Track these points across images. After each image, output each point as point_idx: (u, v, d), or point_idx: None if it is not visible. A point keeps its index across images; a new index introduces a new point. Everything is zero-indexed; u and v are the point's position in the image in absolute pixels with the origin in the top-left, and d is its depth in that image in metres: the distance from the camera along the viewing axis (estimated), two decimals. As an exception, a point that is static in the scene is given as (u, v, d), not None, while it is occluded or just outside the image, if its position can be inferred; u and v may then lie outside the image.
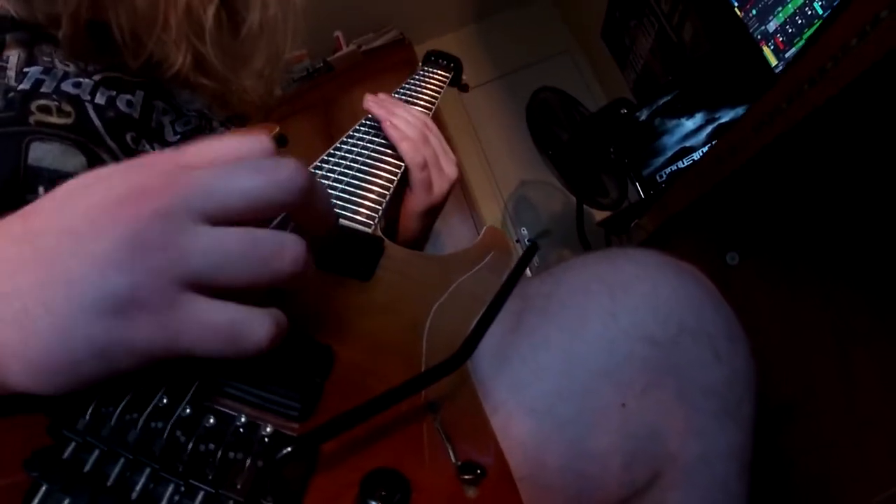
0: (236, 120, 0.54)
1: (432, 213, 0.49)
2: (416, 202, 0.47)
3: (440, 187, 0.48)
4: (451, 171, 0.49)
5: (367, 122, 0.51)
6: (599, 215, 1.57)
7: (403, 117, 0.48)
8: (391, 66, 2.35)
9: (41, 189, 0.34)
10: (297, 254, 0.21)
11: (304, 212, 0.24)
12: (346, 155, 0.45)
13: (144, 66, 0.41)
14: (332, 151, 0.45)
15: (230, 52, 0.44)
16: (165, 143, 0.44)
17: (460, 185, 2.30)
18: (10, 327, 0.18)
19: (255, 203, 0.21)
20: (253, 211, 0.21)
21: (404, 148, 0.46)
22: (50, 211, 0.20)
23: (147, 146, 0.42)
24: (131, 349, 0.19)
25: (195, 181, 0.21)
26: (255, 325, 0.20)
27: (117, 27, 0.38)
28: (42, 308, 0.18)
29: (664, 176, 1.20)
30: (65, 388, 0.19)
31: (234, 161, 0.22)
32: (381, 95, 0.52)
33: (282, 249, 0.21)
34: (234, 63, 0.45)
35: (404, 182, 0.47)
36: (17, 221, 0.20)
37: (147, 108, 0.43)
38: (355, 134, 0.49)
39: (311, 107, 2.44)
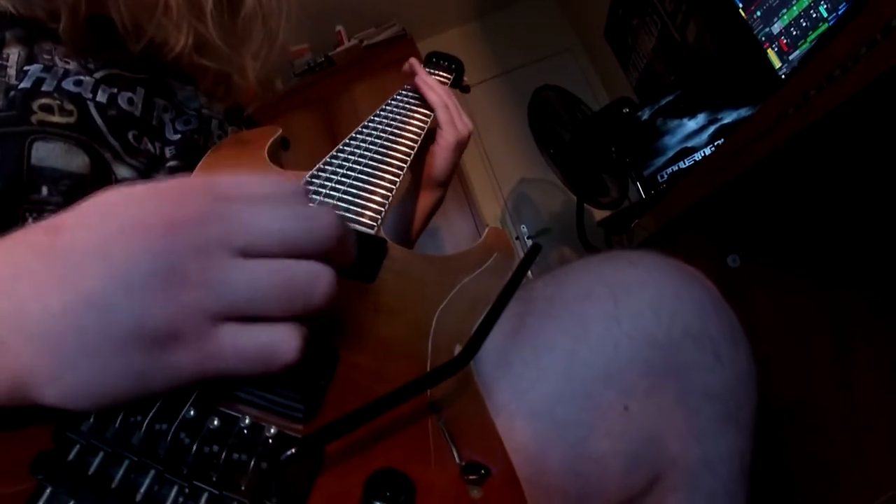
0: (236, 116, 0.54)
1: (459, 148, 0.58)
2: (447, 136, 0.56)
3: (462, 126, 0.57)
4: (467, 120, 0.59)
5: (369, 126, 0.52)
6: (600, 214, 1.57)
7: (431, 77, 0.59)
8: (393, 61, 2.35)
9: (44, 189, 0.34)
10: (329, 287, 0.22)
11: (333, 256, 0.24)
12: (350, 157, 0.45)
13: (146, 51, 0.41)
14: (334, 154, 0.45)
15: (230, 32, 0.44)
16: (166, 142, 0.43)
17: (461, 182, 2.30)
18: (41, 349, 0.18)
19: (291, 247, 0.21)
20: (286, 252, 0.21)
21: (432, 95, 0.56)
22: (79, 227, 0.20)
23: (149, 144, 0.42)
24: (167, 378, 0.20)
25: (235, 217, 0.21)
26: (282, 343, 0.21)
27: (117, 15, 0.38)
28: (76, 333, 0.18)
29: (665, 176, 1.20)
30: (101, 406, 0.19)
31: (270, 198, 0.22)
32: (413, 60, 0.61)
33: (315, 284, 0.21)
34: (234, 43, 0.45)
35: (412, 171, 0.49)
36: (42, 235, 0.20)
37: (148, 106, 0.43)
38: (357, 136, 0.49)
39: (313, 101, 2.43)
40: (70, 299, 0.18)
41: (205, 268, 0.19)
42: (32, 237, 0.20)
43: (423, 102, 0.57)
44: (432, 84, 0.58)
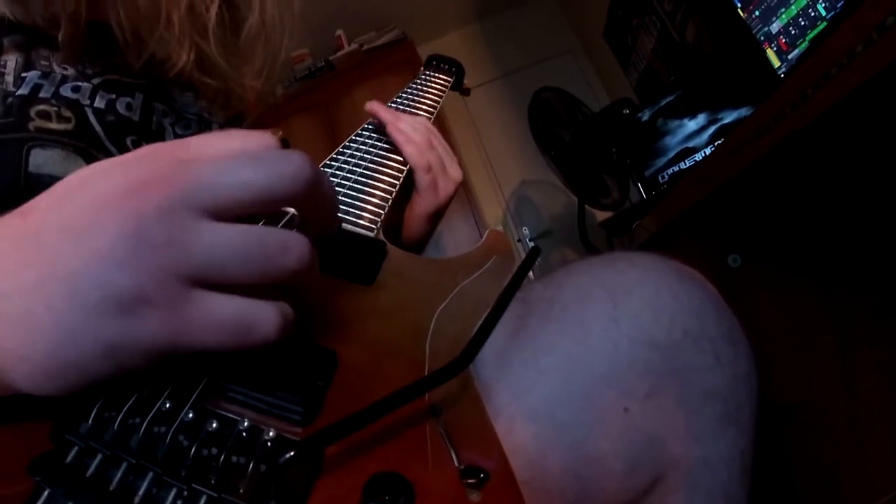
0: (236, 123, 0.55)
1: (438, 215, 0.50)
2: (424, 204, 0.48)
3: (445, 189, 0.49)
4: (455, 173, 0.50)
5: (370, 127, 0.51)
6: (601, 216, 1.57)
7: (408, 121, 0.49)
8: (393, 65, 2.36)
9: None
10: (302, 251, 0.21)
11: (310, 206, 0.23)
12: (349, 159, 0.45)
13: (147, 66, 0.41)
14: (334, 156, 0.45)
15: (232, 50, 0.44)
16: None
17: (462, 185, 2.29)
18: (14, 328, 0.18)
19: (260, 196, 0.20)
20: (258, 204, 0.21)
21: (409, 151, 0.47)
22: (49, 207, 0.20)
23: None
24: (138, 347, 0.19)
25: (199, 175, 0.20)
26: (261, 316, 0.20)
27: (118, 26, 0.38)
28: (45, 307, 0.18)
29: (666, 177, 1.20)
30: (71, 388, 0.19)
31: (238, 154, 0.22)
32: (372, 106, 0.52)
33: (287, 246, 0.21)
34: (236, 62, 0.45)
35: (406, 187, 0.48)
36: (16, 219, 0.20)
37: (147, 111, 0.43)
38: (357, 138, 0.49)
39: (313, 106, 2.44)
40: (41, 277, 0.18)
41: (171, 228, 0.19)
42: (7, 223, 0.20)
43: (420, 106, 0.57)
44: (410, 134, 0.48)
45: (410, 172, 0.47)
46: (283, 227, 0.23)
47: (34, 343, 0.18)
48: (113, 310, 0.18)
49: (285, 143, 0.49)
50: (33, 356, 0.18)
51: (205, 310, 0.19)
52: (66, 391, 0.19)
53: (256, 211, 0.21)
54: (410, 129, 0.48)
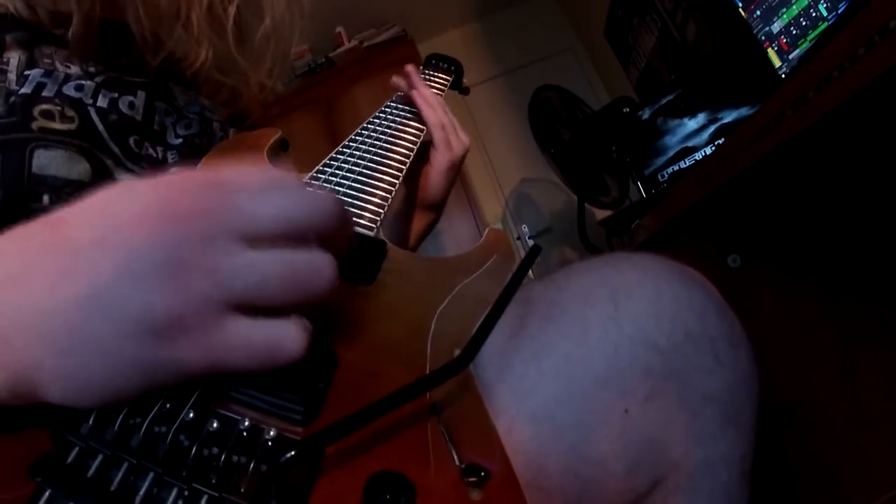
0: (237, 120, 0.54)
1: (453, 170, 0.57)
2: (441, 159, 0.55)
3: (458, 146, 0.56)
4: (464, 137, 0.57)
5: (368, 127, 0.52)
6: (601, 214, 1.57)
7: (430, 91, 0.57)
8: (393, 62, 2.35)
9: (46, 198, 0.34)
10: (331, 275, 0.22)
11: (333, 237, 0.24)
12: (349, 159, 0.45)
13: (163, 64, 0.41)
14: (333, 156, 0.45)
15: (247, 50, 0.45)
16: (168, 146, 0.43)
17: (461, 182, 2.30)
18: (53, 346, 0.18)
19: (293, 227, 0.21)
20: (290, 235, 0.21)
21: (428, 112, 0.54)
22: (83, 222, 0.20)
23: (150, 149, 0.41)
24: (174, 369, 0.19)
25: (236, 204, 0.21)
26: (289, 337, 0.21)
27: (136, 24, 0.38)
28: (85, 326, 0.18)
29: (666, 176, 1.20)
30: (105, 403, 0.19)
31: (268, 188, 0.22)
32: (409, 68, 0.58)
33: (319, 271, 0.22)
34: (249, 60, 0.45)
35: (406, 186, 0.49)
36: (46, 230, 0.20)
37: (149, 110, 0.42)
38: (357, 138, 0.49)
39: (313, 102, 2.43)
40: (75, 292, 0.18)
41: (209, 257, 0.19)
42: (36, 232, 0.20)
43: None
44: (429, 99, 0.56)
45: (418, 152, 0.51)
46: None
47: (72, 362, 0.18)
48: (150, 333, 0.18)
49: (285, 144, 0.49)
50: (71, 374, 0.18)
51: (237, 334, 0.20)
52: (99, 406, 0.19)
53: (286, 240, 0.22)
54: (430, 95, 0.56)
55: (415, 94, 0.56)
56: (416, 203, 0.60)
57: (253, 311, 0.21)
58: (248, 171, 0.23)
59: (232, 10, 0.41)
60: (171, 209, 0.20)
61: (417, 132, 0.54)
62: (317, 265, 0.22)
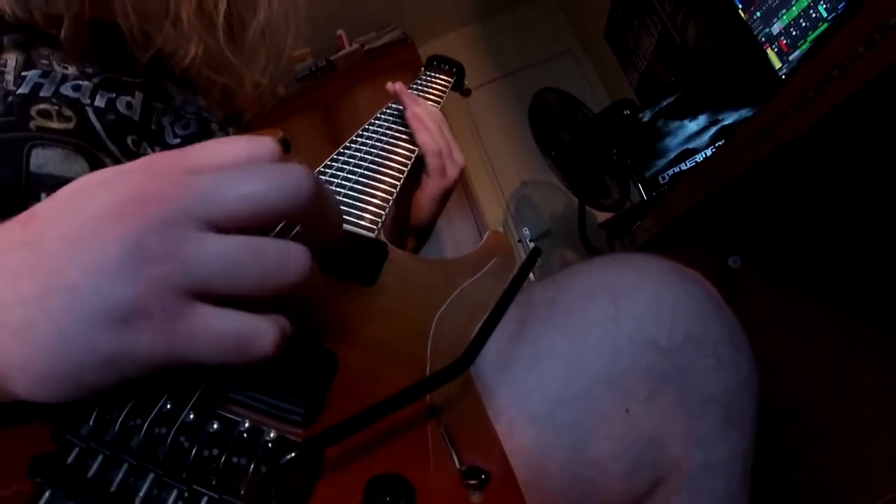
0: (234, 120, 0.55)
1: (445, 197, 0.54)
2: (433, 186, 0.52)
3: (452, 173, 0.53)
4: (459, 158, 0.54)
5: (370, 128, 0.52)
6: (601, 216, 1.56)
7: (423, 108, 0.53)
8: (394, 65, 2.35)
9: (43, 196, 0.34)
10: (301, 264, 0.21)
11: (312, 219, 0.23)
12: (349, 160, 0.45)
13: (153, 62, 0.41)
14: (334, 157, 0.45)
15: (239, 47, 0.44)
16: (166, 146, 0.43)
17: (462, 185, 2.30)
18: (14, 337, 0.18)
19: (260, 209, 0.20)
20: (258, 217, 0.21)
21: (423, 137, 0.50)
22: (51, 216, 0.20)
23: (148, 149, 0.41)
24: (136, 359, 0.19)
25: (199, 187, 0.20)
26: (260, 332, 0.20)
27: (125, 22, 0.38)
28: (45, 317, 0.18)
29: (666, 178, 1.20)
30: (70, 396, 0.19)
31: (240, 165, 0.22)
32: (397, 86, 0.55)
33: (287, 259, 0.21)
34: (241, 58, 0.45)
35: (407, 184, 0.48)
36: (18, 227, 0.20)
37: (146, 110, 0.42)
38: (358, 139, 0.49)
39: (314, 105, 2.44)
40: (41, 287, 0.18)
41: (171, 241, 0.19)
42: (8, 230, 0.20)
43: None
44: (424, 121, 0.52)
45: (416, 162, 0.49)
46: (281, 233, 0.23)
47: (33, 352, 0.18)
48: (112, 321, 0.18)
49: (286, 144, 0.49)
50: (32, 365, 0.18)
51: (203, 324, 0.19)
52: (64, 399, 0.19)
53: (257, 223, 0.21)
54: (426, 115, 0.52)
55: (409, 115, 0.52)
56: (407, 226, 0.57)
57: (227, 304, 0.20)
58: (214, 147, 0.22)
59: (222, 6, 0.41)
60: (133, 195, 0.20)
61: None
62: (286, 253, 0.21)
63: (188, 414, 0.21)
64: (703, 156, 1.10)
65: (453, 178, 0.53)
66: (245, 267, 0.20)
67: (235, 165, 0.22)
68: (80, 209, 0.20)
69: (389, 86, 0.55)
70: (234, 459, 0.20)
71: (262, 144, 0.22)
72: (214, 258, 0.19)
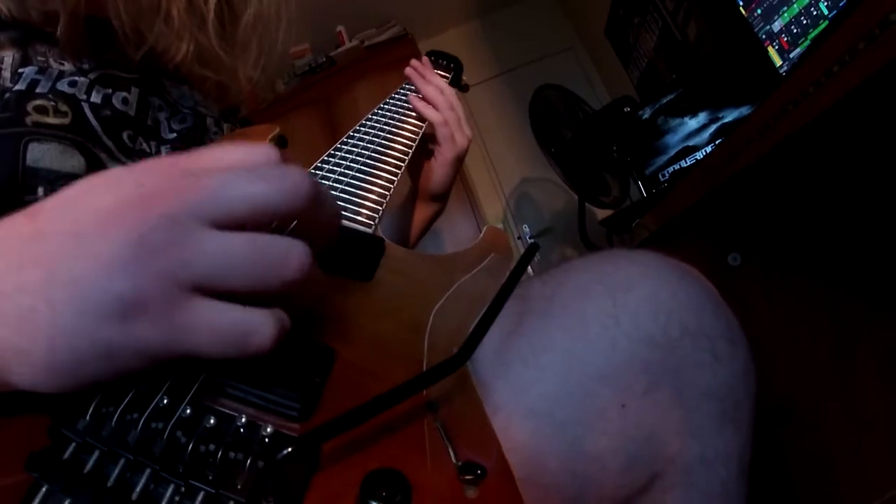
0: (231, 115, 0.54)
1: (458, 161, 0.58)
2: (444, 152, 0.57)
3: (461, 140, 0.57)
4: (467, 129, 0.59)
5: (366, 124, 0.52)
6: (601, 213, 1.56)
7: (435, 85, 0.58)
8: (393, 61, 2.35)
9: (40, 190, 0.34)
10: (302, 261, 0.21)
11: (310, 220, 0.24)
12: (347, 156, 0.45)
13: (145, 59, 0.41)
14: (332, 152, 0.45)
15: (230, 43, 0.44)
16: (162, 141, 0.43)
17: (462, 181, 2.30)
18: (15, 326, 0.18)
19: (260, 210, 0.21)
20: (258, 217, 0.21)
21: (430, 112, 0.56)
22: (57, 212, 0.21)
23: (144, 144, 0.42)
24: (136, 351, 0.19)
25: (202, 187, 0.21)
26: (258, 326, 0.21)
27: (118, 20, 0.38)
28: (46, 307, 0.18)
29: (666, 175, 1.20)
30: (69, 387, 0.19)
31: (241, 168, 0.22)
32: (419, 62, 0.61)
33: (288, 256, 0.21)
34: (233, 54, 0.45)
35: (405, 183, 0.49)
36: (25, 221, 0.20)
37: (143, 105, 0.43)
38: (355, 135, 0.49)
39: (314, 101, 2.44)
40: (44, 278, 0.19)
41: (174, 236, 0.19)
42: (15, 224, 0.20)
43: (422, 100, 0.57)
44: (431, 96, 0.57)
45: (415, 155, 0.52)
46: (278, 230, 0.23)
47: (34, 341, 0.18)
48: (112, 313, 0.19)
49: (283, 141, 0.49)
50: (32, 354, 0.18)
51: (202, 317, 0.20)
52: (63, 390, 0.19)
53: (256, 223, 0.21)
54: (435, 92, 0.57)
55: (422, 84, 0.57)
56: (418, 195, 0.61)
57: (227, 298, 0.21)
58: (216, 150, 0.23)
59: (212, 3, 0.41)
60: (137, 193, 0.20)
61: (416, 128, 0.54)
62: (287, 250, 0.21)
63: (185, 409, 0.21)
64: (704, 153, 1.10)
65: (463, 145, 0.58)
66: (246, 263, 0.20)
67: (233, 165, 0.22)
68: (85, 206, 0.20)
69: (414, 62, 0.61)
70: (231, 454, 0.20)
71: (263, 151, 0.23)
72: (217, 254, 0.20)
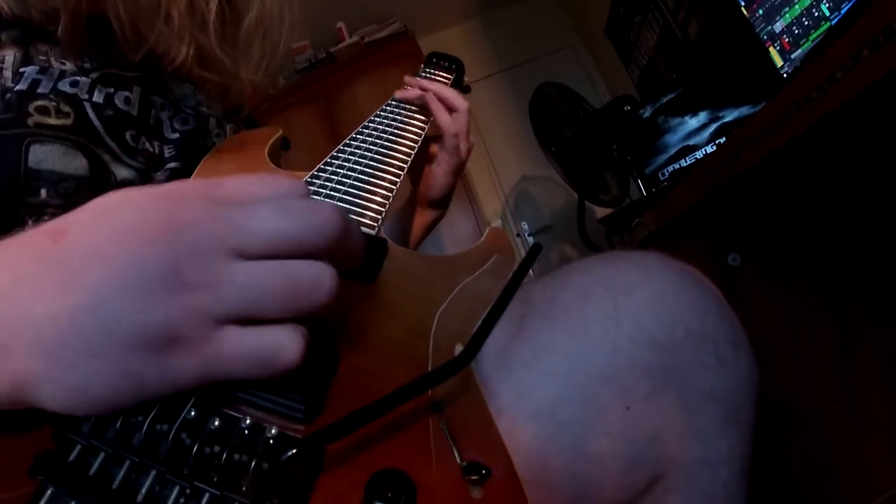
0: (234, 115, 0.54)
1: (458, 171, 0.59)
2: (448, 161, 0.57)
3: (465, 151, 0.58)
4: (470, 141, 0.59)
5: (370, 125, 0.51)
6: (601, 212, 1.57)
7: (450, 90, 0.58)
8: (394, 58, 2.35)
9: (43, 192, 0.34)
10: (331, 286, 0.21)
11: (337, 252, 0.23)
12: (350, 158, 0.45)
13: (146, 60, 0.41)
14: (335, 154, 0.45)
15: (231, 44, 0.44)
16: (165, 141, 0.43)
17: (461, 179, 2.29)
18: (44, 354, 0.18)
19: (289, 245, 0.21)
20: (287, 250, 0.21)
21: (444, 118, 0.55)
22: (79, 230, 0.20)
23: (147, 144, 0.41)
24: (166, 382, 0.19)
25: (232, 219, 0.20)
26: (286, 344, 0.21)
27: (117, 20, 0.38)
28: (77, 337, 0.18)
29: (666, 174, 1.20)
30: (98, 412, 0.19)
31: (271, 202, 0.22)
32: (413, 79, 0.60)
33: (317, 283, 0.21)
34: (235, 56, 0.45)
35: (405, 187, 0.49)
36: (43, 238, 0.20)
37: (145, 105, 0.42)
38: (358, 137, 0.49)
39: (314, 98, 2.43)
40: (71, 302, 0.18)
41: (205, 270, 0.19)
42: (33, 240, 0.20)
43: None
44: (449, 101, 0.56)
45: (417, 155, 0.51)
46: None
47: (63, 369, 0.18)
48: (146, 346, 0.18)
49: (286, 143, 0.48)
50: (63, 381, 0.18)
51: (233, 345, 0.20)
52: (95, 414, 0.19)
53: (284, 255, 0.21)
54: (453, 96, 0.57)
55: (429, 97, 0.56)
56: (418, 201, 0.60)
57: (248, 321, 0.21)
58: (247, 181, 0.23)
59: (213, 5, 0.41)
60: (166, 221, 0.20)
61: (419, 130, 0.53)
62: (316, 277, 0.21)
63: (189, 411, 0.21)
64: (704, 153, 1.10)
65: (466, 156, 0.58)
66: (278, 294, 0.20)
67: (264, 197, 0.22)
68: (108, 225, 0.20)
69: (408, 78, 0.60)
70: (236, 456, 0.20)
71: (290, 184, 0.23)
72: (248, 287, 0.20)
